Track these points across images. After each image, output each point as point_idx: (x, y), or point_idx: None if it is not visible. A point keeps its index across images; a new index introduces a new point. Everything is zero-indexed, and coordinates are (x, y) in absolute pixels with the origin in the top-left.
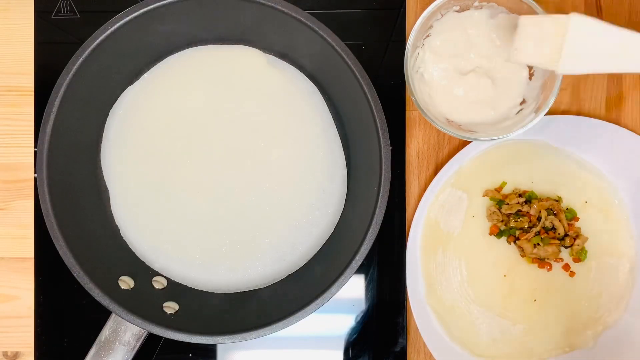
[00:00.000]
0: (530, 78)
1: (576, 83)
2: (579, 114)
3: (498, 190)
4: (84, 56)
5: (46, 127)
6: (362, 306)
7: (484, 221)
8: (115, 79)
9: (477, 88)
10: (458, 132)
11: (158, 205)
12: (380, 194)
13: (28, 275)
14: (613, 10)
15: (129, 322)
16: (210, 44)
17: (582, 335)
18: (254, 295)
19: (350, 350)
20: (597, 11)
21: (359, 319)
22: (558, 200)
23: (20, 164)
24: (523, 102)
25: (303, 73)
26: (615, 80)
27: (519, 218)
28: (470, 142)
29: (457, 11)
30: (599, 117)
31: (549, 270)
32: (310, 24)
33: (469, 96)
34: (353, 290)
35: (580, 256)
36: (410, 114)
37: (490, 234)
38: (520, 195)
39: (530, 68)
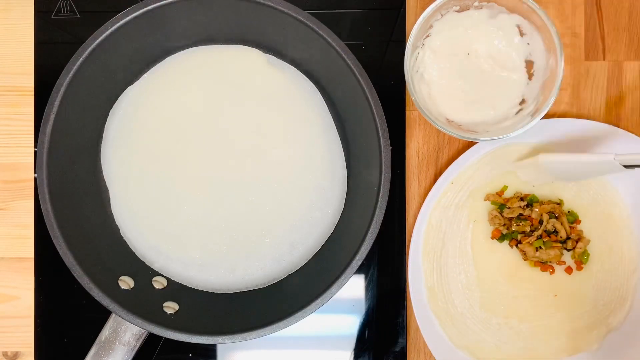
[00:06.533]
0: (530, 78)
1: (576, 84)
2: (579, 114)
3: (499, 194)
4: (84, 56)
5: (46, 127)
6: (362, 306)
7: (485, 225)
8: (115, 79)
9: (476, 88)
10: (458, 132)
11: (158, 205)
12: (380, 194)
13: (28, 275)
14: (613, 9)
15: (129, 322)
16: (210, 44)
17: (586, 338)
18: (253, 295)
19: (350, 350)
20: (597, 10)
21: (359, 319)
22: (559, 203)
23: (20, 164)
24: (523, 102)
25: (303, 73)
26: (615, 80)
27: (520, 222)
28: (470, 147)
29: (457, 11)
30: (599, 118)
31: (551, 273)
32: (310, 24)
33: (469, 96)
34: (353, 290)
35: (582, 259)
36: (410, 114)
37: (492, 238)
38: (521, 199)
39: (530, 68)
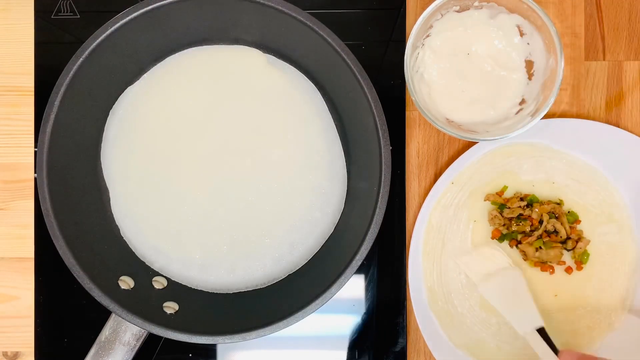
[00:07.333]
0: (530, 78)
1: (576, 83)
2: (579, 114)
3: (499, 194)
4: (84, 56)
5: (46, 127)
6: (362, 306)
7: (485, 225)
8: (115, 79)
9: (476, 88)
10: (458, 132)
11: (158, 205)
12: (380, 194)
13: (28, 275)
14: (613, 9)
15: (129, 322)
16: (211, 44)
17: (586, 337)
18: (254, 295)
19: (350, 350)
20: (597, 10)
21: (359, 319)
22: (559, 203)
23: (20, 164)
24: (523, 102)
25: (303, 73)
26: (615, 80)
27: (520, 222)
28: (471, 147)
29: (457, 11)
30: (599, 117)
31: (551, 273)
32: (310, 24)
33: (468, 96)
34: (353, 290)
35: (582, 259)
36: (410, 114)
37: (492, 238)
38: (521, 199)
39: (530, 68)
